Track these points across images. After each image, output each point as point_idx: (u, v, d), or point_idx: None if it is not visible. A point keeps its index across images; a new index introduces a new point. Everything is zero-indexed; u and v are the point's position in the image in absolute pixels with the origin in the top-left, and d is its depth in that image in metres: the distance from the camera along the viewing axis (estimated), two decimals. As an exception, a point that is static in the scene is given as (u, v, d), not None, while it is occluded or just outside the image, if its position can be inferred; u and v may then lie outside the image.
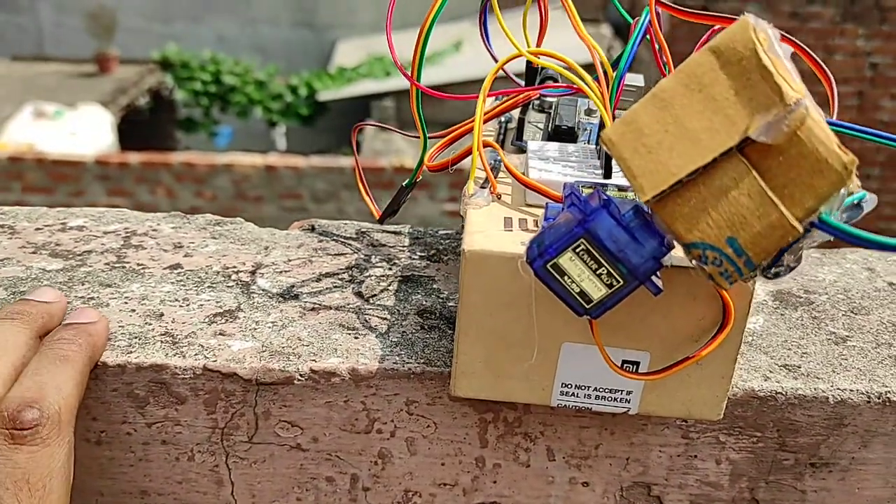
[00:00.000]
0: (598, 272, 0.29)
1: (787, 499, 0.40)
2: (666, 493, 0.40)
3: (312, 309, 0.41)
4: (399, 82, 5.14)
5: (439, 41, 5.08)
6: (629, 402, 0.35)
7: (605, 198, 0.29)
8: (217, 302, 0.41)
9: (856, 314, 0.44)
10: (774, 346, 0.40)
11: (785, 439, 0.38)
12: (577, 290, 0.29)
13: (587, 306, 0.29)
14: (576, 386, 0.34)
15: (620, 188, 0.34)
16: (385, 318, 0.40)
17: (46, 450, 0.32)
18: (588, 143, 0.41)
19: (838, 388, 0.38)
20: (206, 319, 0.40)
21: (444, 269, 0.45)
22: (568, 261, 0.29)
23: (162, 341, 0.38)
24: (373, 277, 0.44)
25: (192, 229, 0.48)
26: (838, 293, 0.46)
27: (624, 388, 0.34)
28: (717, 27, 0.37)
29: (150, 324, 0.39)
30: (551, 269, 0.29)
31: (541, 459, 0.39)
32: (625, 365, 0.33)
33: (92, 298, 0.41)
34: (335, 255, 0.46)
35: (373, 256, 0.46)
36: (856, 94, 4.06)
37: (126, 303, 0.41)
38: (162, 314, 0.40)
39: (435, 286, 0.43)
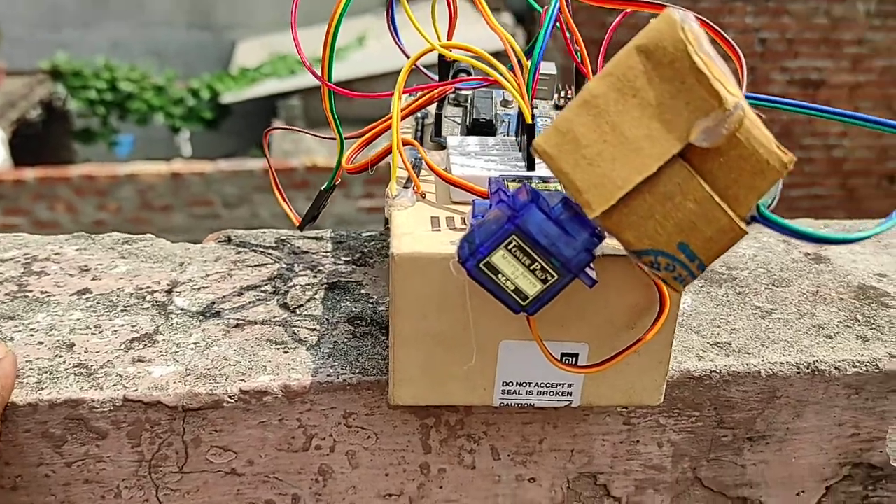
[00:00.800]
0: (531, 268, 0.28)
1: (729, 474, 0.40)
2: (612, 481, 0.40)
3: (236, 325, 0.39)
4: (305, 80, 5.04)
5: (342, 37, 5.00)
6: (571, 395, 0.34)
7: (533, 192, 0.28)
8: (133, 326, 0.39)
9: (777, 286, 0.45)
10: (704, 325, 0.41)
11: (722, 416, 0.39)
12: (513, 287, 0.28)
13: (523, 303, 0.29)
14: (517, 383, 0.34)
15: (544, 179, 0.33)
16: (314, 329, 0.39)
17: None
18: (507, 134, 0.40)
19: (769, 362, 0.38)
20: (123, 346, 0.37)
21: (372, 272, 0.44)
22: (501, 258, 0.28)
23: (76, 374, 0.35)
24: (297, 287, 0.42)
25: (99, 250, 0.46)
26: (759, 267, 0.47)
27: (565, 381, 0.34)
28: (628, 11, 0.37)
29: (61, 356, 0.37)
30: (484, 269, 0.28)
31: (486, 460, 0.38)
32: (564, 358, 0.33)
33: (-7, 334, 0.38)
34: (255, 266, 0.44)
35: (295, 265, 0.44)
36: (748, 70, 4.21)
37: (32, 335, 0.38)
38: (73, 344, 0.37)
39: (363, 291, 0.42)
